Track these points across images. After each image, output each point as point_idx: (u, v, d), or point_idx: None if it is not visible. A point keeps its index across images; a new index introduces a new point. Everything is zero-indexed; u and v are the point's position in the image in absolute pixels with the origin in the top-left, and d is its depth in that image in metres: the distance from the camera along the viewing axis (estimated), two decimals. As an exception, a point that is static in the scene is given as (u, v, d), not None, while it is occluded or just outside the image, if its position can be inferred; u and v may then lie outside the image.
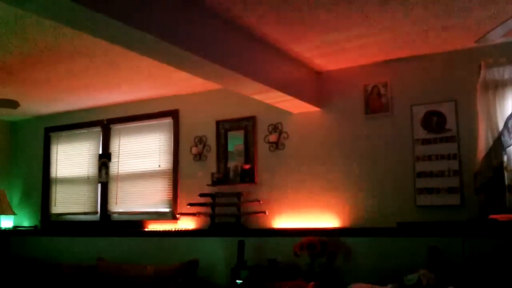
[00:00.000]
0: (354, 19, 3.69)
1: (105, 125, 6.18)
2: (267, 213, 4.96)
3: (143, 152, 5.88)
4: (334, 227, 4.64)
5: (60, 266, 5.72)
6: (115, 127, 6.13)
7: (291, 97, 4.50)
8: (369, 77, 4.69)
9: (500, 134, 4.02)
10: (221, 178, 5.25)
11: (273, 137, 5.07)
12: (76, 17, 2.85)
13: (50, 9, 2.78)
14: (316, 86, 4.90)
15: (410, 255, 4.17)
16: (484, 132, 4.07)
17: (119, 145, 6.07)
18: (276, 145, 5.07)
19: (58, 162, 6.53)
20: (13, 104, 4.96)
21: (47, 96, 5.75)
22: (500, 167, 4.05)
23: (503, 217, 3.85)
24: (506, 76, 4.09)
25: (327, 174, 4.79)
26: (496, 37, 3.93)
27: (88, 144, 6.32)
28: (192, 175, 5.49)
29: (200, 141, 5.50)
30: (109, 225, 5.99)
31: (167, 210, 5.63)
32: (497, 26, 3.71)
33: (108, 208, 6.03)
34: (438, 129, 4.37)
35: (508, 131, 3.99)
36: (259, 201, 5.01)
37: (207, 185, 5.27)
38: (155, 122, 5.85)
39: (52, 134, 6.61)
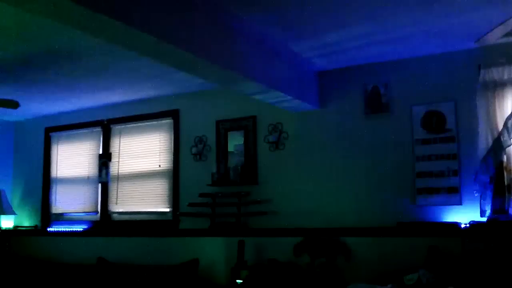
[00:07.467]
0: (354, 19, 3.70)
1: (105, 125, 6.18)
2: (267, 213, 4.96)
3: (143, 152, 5.88)
4: (334, 227, 4.64)
5: (60, 266, 5.73)
6: (115, 127, 6.13)
7: (291, 97, 4.50)
8: (369, 77, 4.69)
9: (500, 134, 4.03)
10: (221, 178, 5.25)
11: (273, 137, 5.08)
12: (76, 17, 2.85)
13: (50, 9, 2.78)
14: (316, 86, 4.90)
15: (410, 255, 4.17)
16: (484, 132, 4.07)
17: (119, 145, 6.07)
18: (276, 145, 5.08)
19: (58, 162, 6.53)
20: (13, 104, 4.96)
21: (47, 96, 5.75)
22: (500, 167, 4.06)
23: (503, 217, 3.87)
24: (506, 76, 4.09)
25: (327, 174, 4.79)
26: (496, 37, 3.95)
27: (88, 144, 6.32)
28: (192, 175, 5.49)
29: (200, 141, 5.50)
30: (109, 225, 6.00)
31: (167, 210, 5.63)
32: (497, 26, 3.72)
33: (108, 208, 6.03)
34: (438, 129, 4.37)
35: (508, 131, 4.00)
36: (259, 201, 5.01)
37: (207, 185, 5.27)
38: (155, 122, 5.85)
39: (52, 134, 6.61)
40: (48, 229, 6.31)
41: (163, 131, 5.79)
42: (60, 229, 6.26)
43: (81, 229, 6.09)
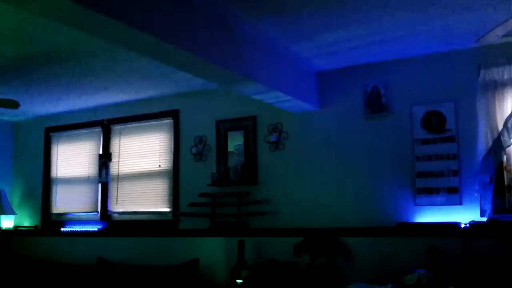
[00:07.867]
0: (354, 19, 3.70)
1: (105, 125, 6.18)
2: (267, 213, 4.96)
3: (143, 152, 5.88)
4: (334, 227, 4.64)
5: (60, 266, 5.73)
6: (115, 127, 6.14)
7: (291, 97, 4.50)
8: (369, 77, 4.69)
9: (500, 134, 4.03)
10: (221, 178, 5.25)
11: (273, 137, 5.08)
12: (76, 17, 2.85)
13: (50, 9, 2.79)
14: (316, 86, 4.90)
15: (410, 255, 4.17)
16: (484, 132, 4.07)
17: (119, 145, 6.08)
18: (276, 145, 5.08)
19: (58, 162, 6.53)
20: (13, 104, 4.96)
21: (47, 96, 5.75)
22: (500, 167, 4.06)
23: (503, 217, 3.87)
24: (506, 76, 4.09)
25: (327, 174, 4.79)
26: (496, 37, 3.95)
27: (88, 144, 6.32)
28: (192, 175, 5.49)
29: (200, 141, 5.50)
30: (109, 225, 5.99)
31: (167, 210, 5.63)
32: (497, 26, 3.73)
33: (108, 208, 6.03)
34: (438, 129, 4.37)
35: (508, 131, 3.99)
36: (259, 201, 5.01)
37: (207, 185, 5.27)
38: (155, 122, 5.85)
39: (52, 134, 6.61)
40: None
41: (163, 131, 5.79)
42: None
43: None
